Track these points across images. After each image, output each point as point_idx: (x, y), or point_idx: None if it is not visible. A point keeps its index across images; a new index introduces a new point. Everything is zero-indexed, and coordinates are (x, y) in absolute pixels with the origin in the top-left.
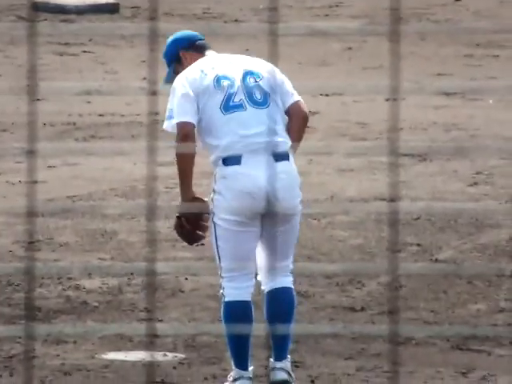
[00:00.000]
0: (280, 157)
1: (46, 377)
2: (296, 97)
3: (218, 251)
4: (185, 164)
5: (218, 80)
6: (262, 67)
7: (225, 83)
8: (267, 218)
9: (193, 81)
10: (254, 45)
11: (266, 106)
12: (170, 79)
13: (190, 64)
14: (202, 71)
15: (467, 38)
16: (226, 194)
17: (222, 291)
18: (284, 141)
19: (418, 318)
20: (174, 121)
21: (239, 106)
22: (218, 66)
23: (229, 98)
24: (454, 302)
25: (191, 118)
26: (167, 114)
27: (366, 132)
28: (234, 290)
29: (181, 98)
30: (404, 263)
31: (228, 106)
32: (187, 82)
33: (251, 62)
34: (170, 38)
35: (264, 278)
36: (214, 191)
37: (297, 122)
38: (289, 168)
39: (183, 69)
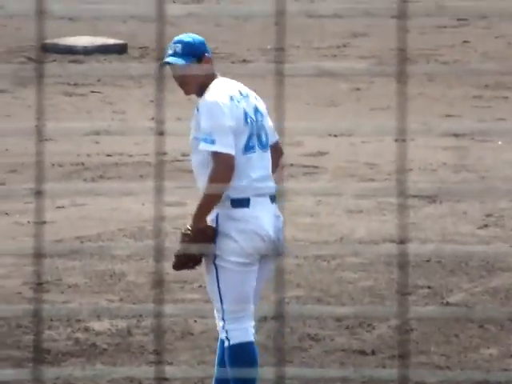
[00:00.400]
0: (274, 198)
1: None
2: (276, 134)
3: (219, 294)
4: (212, 203)
5: (245, 116)
6: (260, 102)
7: (249, 121)
8: (265, 257)
9: (230, 110)
10: (262, 85)
11: (268, 148)
12: (173, 63)
13: (204, 71)
14: (233, 99)
15: (476, 79)
16: (237, 236)
17: (225, 335)
18: (274, 181)
19: (429, 363)
20: (217, 149)
21: (253, 148)
22: (241, 97)
23: (249, 137)
24: (465, 346)
25: (233, 151)
26: (205, 136)
27: (374, 173)
28: (239, 332)
29: (224, 126)
30: (414, 306)
31: (248, 147)
32: (228, 110)
33: (253, 95)
34: (198, 37)
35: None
36: (218, 233)
37: (280, 161)
38: (279, 209)
39: (195, 72)
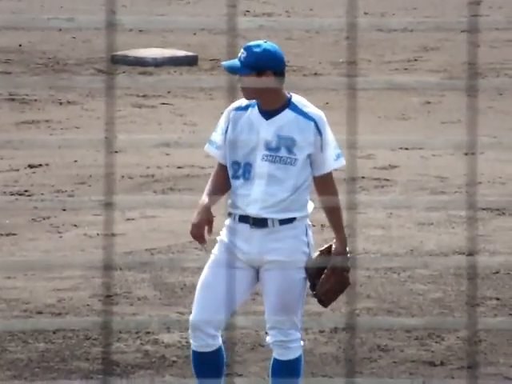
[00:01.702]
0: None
1: None
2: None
3: (301, 305)
4: None
5: None
6: None
7: None
8: None
9: None
10: (333, 97)
11: None
12: (233, 71)
13: (265, 87)
14: None
15: None
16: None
17: (304, 342)
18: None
19: (498, 373)
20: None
21: None
22: None
23: None
24: None
25: None
26: (338, 151)
27: (444, 186)
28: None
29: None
30: (483, 317)
31: None
32: None
33: None
34: (273, 48)
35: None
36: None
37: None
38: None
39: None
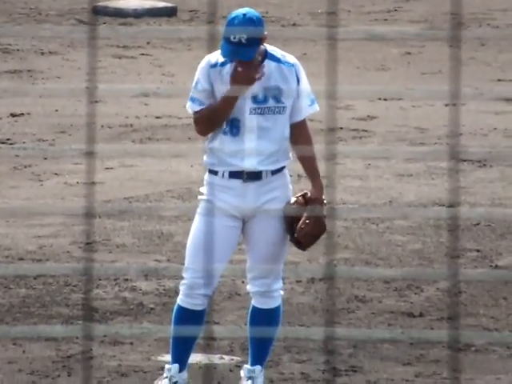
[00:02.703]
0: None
1: (103, 377)
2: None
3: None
4: None
5: None
6: None
7: None
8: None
9: None
10: (312, 48)
11: None
12: (252, 58)
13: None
14: None
15: None
16: None
17: (282, 292)
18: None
19: (478, 325)
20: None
21: None
22: None
23: None
24: None
25: None
26: (312, 97)
27: (424, 137)
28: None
29: None
30: (463, 269)
31: None
32: None
33: None
34: (255, 14)
35: None
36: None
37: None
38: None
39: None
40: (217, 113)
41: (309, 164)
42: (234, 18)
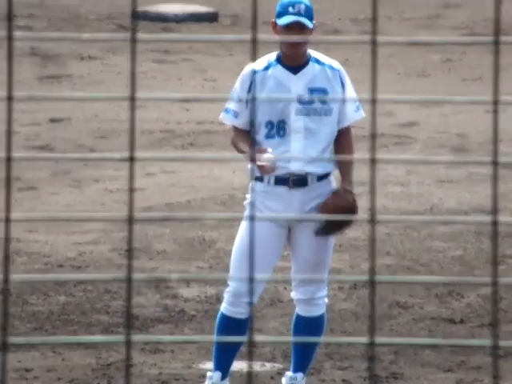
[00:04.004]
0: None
1: None
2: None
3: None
4: None
5: None
6: None
7: None
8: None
9: None
10: (354, 54)
11: None
12: (311, 28)
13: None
14: None
15: None
16: None
17: (326, 300)
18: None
19: None
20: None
21: None
22: None
23: None
24: None
25: None
26: (357, 104)
27: (465, 143)
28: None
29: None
30: (504, 275)
31: None
32: None
33: None
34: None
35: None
36: None
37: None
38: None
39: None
40: (239, 151)
41: (346, 168)
42: None
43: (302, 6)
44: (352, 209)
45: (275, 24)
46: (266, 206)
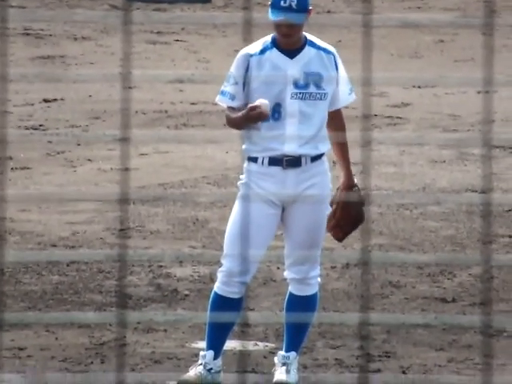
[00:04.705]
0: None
1: (136, 364)
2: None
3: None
4: None
5: None
6: None
7: None
8: None
9: None
10: (346, 35)
11: None
12: (302, 22)
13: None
14: None
15: None
16: None
17: (319, 279)
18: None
19: (510, 310)
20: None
21: None
22: None
23: None
24: None
25: None
26: (351, 86)
27: (457, 124)
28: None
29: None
30: (496, 255)
31: None
32: None
33: None
34: None
35: None
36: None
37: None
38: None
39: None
40: (236, 125)
41: (341, 151)
42: None
43: (294, 1)
44: (361, 211)
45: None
46: (260, 186)
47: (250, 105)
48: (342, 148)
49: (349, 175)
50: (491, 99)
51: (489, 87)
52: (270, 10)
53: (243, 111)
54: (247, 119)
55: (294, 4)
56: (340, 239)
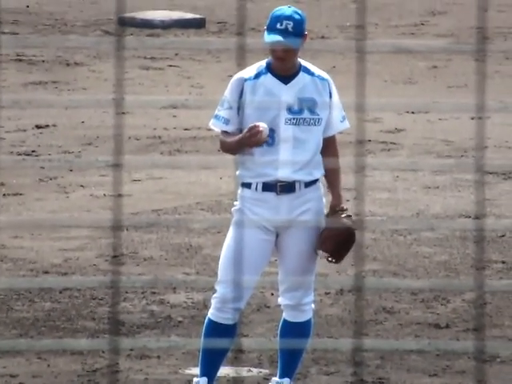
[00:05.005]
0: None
1: None
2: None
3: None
4: None
5: None
6: None
7: None
8: None
9: None
10: (340, 61)
11: None
12: (298, 46)
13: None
14: None
15: None
16: None
17: (313, 306)
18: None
19: (503, 336)
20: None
21: None
22: None
23: None
24: None
25: None
26: (343, 115)
27: (451, 149)
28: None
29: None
30: (489, 280)
31: None
32: None
33: None
34: (303, 14)
35: None
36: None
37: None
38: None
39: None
40: (231, 149)
41: (333, 177)
42: (279, 10)
43: (290, 24)
44: (350, 233)
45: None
46: (254, 212)
47: (251, 124)
48: (334, 175)
49: (336, 197)
50: (484, 125)
51: (482, 113)
52: (265, 32)
53: (240, 135)
54: (244, 143)
55: (290, 27)
56: (329, 259)
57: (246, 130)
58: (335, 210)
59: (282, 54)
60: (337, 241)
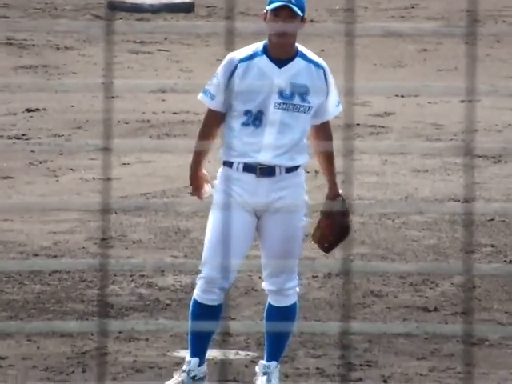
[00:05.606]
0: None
1: (118, 373)
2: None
3: (300, 252)
4: None
5: None
6: None
7: None
8: None
9: None
10: (330, 45)
11: None
12: (301, 16)
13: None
14: None
15: None
16: None
17: (298, 289)
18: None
19: (492, 319)
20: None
21: None
22: None
23: None
24: None
25: None
26: (338, 101)
27: (440, 133)
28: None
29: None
30: (478, 264)
31: None
32: None
33: None
34: None
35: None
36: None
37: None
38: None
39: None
40: (193, 157)
41: (328, 162)
42: None
43: None
44: (346, 221)
45: (266, 15)
46: (233, 191)
47: (202, 173)
48: (328, 159)
49: (333, 186)
50: (474, 108)
51: (472, 96)
52: (268, 5)
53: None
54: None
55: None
56: (326, 250)
57: (197, 177)
58: (331, 197)
59: (287, 20)
60: (335, 232)
